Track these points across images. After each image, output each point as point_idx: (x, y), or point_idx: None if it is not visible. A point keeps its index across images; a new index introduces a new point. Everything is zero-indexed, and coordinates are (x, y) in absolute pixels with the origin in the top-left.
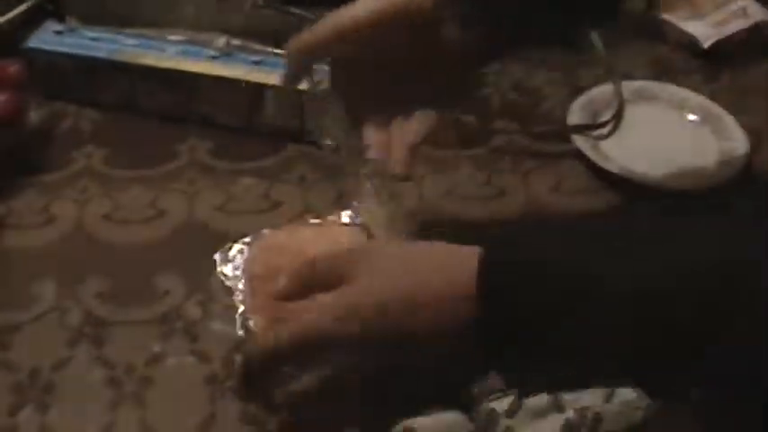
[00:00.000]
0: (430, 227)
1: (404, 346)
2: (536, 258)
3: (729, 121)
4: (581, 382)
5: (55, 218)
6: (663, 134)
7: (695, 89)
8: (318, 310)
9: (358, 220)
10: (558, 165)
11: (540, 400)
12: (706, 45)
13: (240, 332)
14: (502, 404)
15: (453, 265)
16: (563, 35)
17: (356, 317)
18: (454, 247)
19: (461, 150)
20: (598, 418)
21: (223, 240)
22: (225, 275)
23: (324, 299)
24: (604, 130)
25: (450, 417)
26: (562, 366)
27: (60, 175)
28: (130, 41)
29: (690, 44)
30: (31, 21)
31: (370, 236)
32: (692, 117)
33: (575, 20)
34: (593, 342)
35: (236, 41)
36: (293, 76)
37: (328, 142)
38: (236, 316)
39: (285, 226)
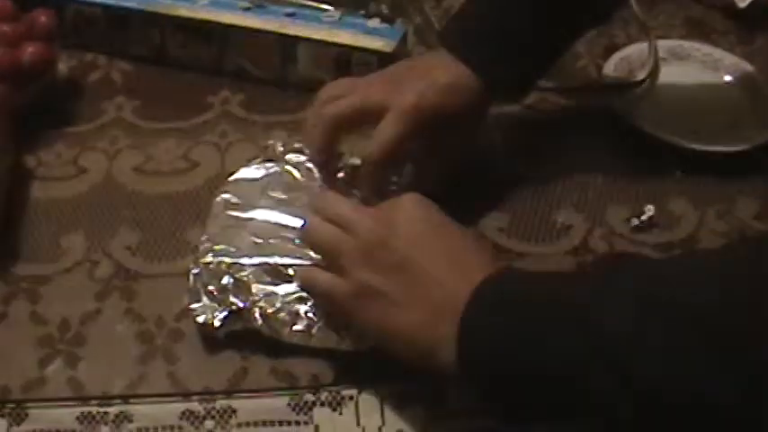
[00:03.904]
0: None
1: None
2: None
3: (765, 82)
4: None
5: (85, 169)
6: (697, 94)
7: (730, 50)
8: None
9: None
10: (590, 123)
11: None
12: (742, 5)
13: None
14: None
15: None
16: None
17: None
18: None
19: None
20: None
21: None
22: None
23: None
24: (639, 89)
25: None
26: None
27: (90, 127)
28: None
29: (725, 4)
30: None
31: None
32: (727, 78)
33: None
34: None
35: None
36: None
37: None
38: None
39: None
